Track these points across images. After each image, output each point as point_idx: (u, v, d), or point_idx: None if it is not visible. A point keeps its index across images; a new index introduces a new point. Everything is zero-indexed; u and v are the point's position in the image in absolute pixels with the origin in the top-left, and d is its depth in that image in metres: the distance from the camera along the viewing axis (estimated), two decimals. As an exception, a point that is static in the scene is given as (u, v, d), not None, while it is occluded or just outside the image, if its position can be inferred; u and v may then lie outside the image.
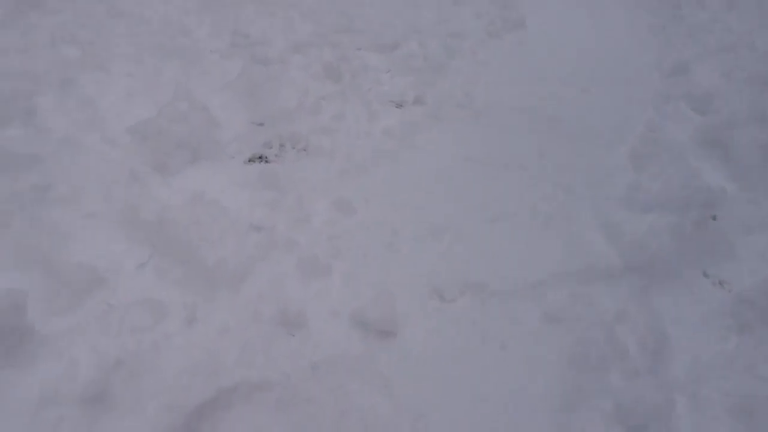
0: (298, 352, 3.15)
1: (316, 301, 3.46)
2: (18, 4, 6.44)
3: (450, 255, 3.94)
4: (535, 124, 5.72)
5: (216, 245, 3.62)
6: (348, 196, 4.35)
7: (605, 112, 6.02)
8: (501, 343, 3.31)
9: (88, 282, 3.30)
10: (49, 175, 3.92)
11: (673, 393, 2.99)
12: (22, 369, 2.77)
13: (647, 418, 2.84)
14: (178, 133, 4.46)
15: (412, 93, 5.98)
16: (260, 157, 4.87)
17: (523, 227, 4.22)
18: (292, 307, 3.33)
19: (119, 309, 3.11)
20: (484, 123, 5.66)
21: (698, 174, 4.98)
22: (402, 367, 3.16)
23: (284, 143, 5.25)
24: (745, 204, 4.65)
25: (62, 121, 4.58)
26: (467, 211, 4.36)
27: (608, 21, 8.79)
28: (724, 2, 9.19)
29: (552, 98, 6.22)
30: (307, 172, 4.73)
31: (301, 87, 5.69)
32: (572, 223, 4.24)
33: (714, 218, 4.50)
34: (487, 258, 3.91)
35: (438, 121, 5.68)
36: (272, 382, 2.98)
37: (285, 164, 4.75)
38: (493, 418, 2.96)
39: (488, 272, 3.79)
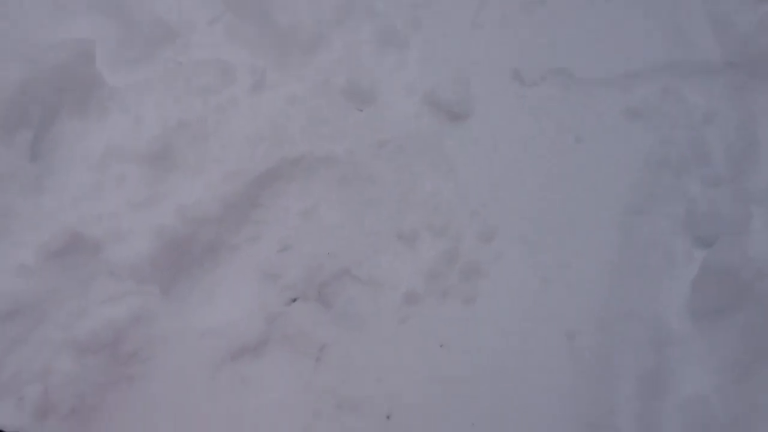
0: (365, 128, 2.98)
1: (390, 76, 3.23)
2: None
3: (539, 34, 3.56)
4: None
5: (290, 6, 3.34)
6: (436, -45, 3.89)
7: None
8: (576, 136, 3.05)
9: (159, 34, 3.16)
10: None
11: (751, 206, 2.70)
12: (91, 120, 2.72)
13: (718, 230, 2.63)
14: None
15: None
16: None
17: (624, 6, 3.72)
18: (364, 80, 3.12)
19: (188, 67, 2.97)
20: None
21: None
22: (470, 153, 2.99)
23: None
24: None
25: None
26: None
27: None
28: None
29: None
30: None
31: None
32: (679, 6, 3.71)
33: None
34: (579, 40, 3.52)
35: None
36: (336, 158, 2.86)
37: None
38: (555, 211, 2.82)
39: (577, 57, 3.43)
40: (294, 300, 2.55)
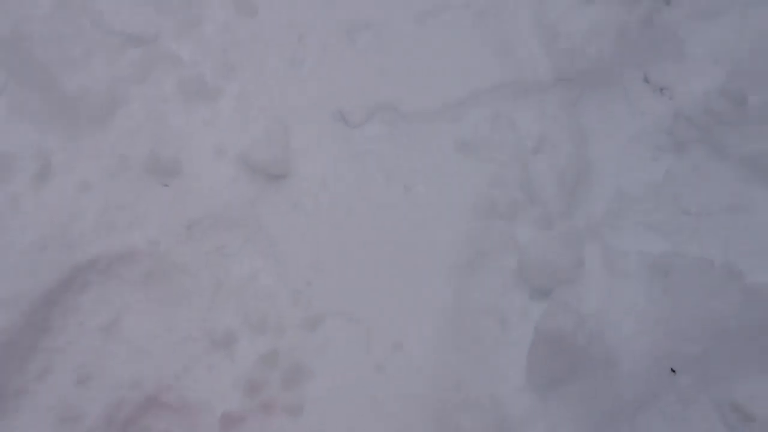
0: (171, 208, 2.57)
1: (199, 136, 2.83)
2: None
3: (363, 64, 3.22)
4: None
5: (81, 66, 2.83)
6: (250, -14, 3.44)
7: None
8: (406, 183, 2.73)
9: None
10: None
11: (584, 246, 2.45)
12: None
13: (552, 281, 2.34)
14: None
15: None
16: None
17: (451, 27, 3.41)
18: (169, 147, 2.71)
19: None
20: None
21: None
22: (290, 221, 2.63)
23: None
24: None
25: None
26: (392, 3, 3.45)
27: None
28: None
29: None
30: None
31: None
32: (506, 21, 3.40)
33: (668, 2, 3.66)
34: (406, 67, 3.20)
35: None
36: (139, 251, 2.44)
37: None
38: (385, 278, 2.50)
39: (404, 88, 3.11)
40: (92, 453, 2.12)
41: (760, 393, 2.12)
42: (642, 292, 2.35)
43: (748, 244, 2.62)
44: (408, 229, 2.63)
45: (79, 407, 2.19)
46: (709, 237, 2.64)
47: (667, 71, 3.33)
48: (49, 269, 2.34)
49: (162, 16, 3.27)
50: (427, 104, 3.10)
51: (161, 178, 2.66)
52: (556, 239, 2.49)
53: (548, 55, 3.27)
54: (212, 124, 2.91)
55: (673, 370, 2.25)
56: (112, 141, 2.74)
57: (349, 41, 3.34)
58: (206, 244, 2.54)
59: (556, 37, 3.32)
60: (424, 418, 2.23)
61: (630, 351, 2.22)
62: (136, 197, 2.59)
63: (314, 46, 3.31)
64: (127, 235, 2.48)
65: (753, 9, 3.55)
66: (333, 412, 2.26)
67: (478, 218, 2.64)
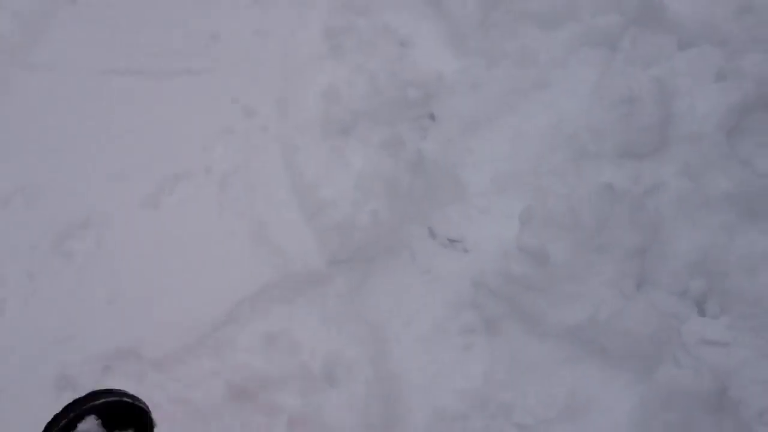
0: None
1: None
2: None
3: (87, 296, 2.42)
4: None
5: None
6: None
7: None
8: None
9: None
10: None
11: None
12: None
13: None
14: None
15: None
16: None
17: (192, 206, 2.68)
18: None
19: None
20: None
21: (409, 54, 3.52)
22: None
23: None
24: (466, 91, 3.26)
25: None
26: (116, 185, 2.64)
27: None
28: None
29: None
30: None
31: None
32: (258, 188, 2.71)
33: (432, 118, 3.19)
34: (144, 289, 2.42)
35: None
36: None
37: None
38: None
39: (147, 320, 2.38)
40: None
41: None
42: None
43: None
44: None
45: None
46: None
47: (451, 218, 2.80)
48: None
49: None
50: (180, 339, 2.32)
51: None
52: None
53: (315, 233, 2.61)
54: None
55: None
56: None
57: (64, 258, 2.49)
58: None
59: (321, 208, 2.66)
60: None
61: None
62: None
63: (17, 278, 2.40)
64: None
65: (521, 107, 3.13)
66: None
67: None
